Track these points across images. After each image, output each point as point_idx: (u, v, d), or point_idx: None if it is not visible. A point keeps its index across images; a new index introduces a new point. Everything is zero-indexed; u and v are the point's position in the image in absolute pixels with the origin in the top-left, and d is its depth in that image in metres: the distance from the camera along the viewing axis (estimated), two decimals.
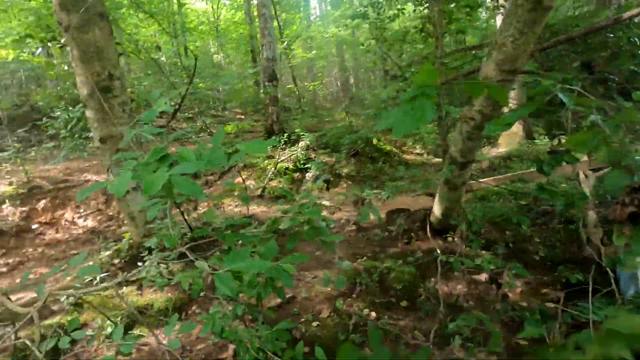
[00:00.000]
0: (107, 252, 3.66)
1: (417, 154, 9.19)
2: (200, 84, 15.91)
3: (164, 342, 2.44)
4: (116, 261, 3.53)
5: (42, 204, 5.16)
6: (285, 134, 7.45)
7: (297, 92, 16.18)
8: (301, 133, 7.40)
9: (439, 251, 3.37)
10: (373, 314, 2.60)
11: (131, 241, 3.52)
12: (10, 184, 5.17)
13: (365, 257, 3.71)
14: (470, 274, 3.34)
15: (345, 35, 10.88)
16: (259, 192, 5.88)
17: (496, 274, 2.83)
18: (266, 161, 6.80)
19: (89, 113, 3.03)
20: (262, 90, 7.68)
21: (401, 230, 4.09)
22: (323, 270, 3.31)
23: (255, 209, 5.44)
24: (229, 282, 1.01)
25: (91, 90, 2.93)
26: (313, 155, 7.32)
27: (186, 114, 15.71)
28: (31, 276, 3.79)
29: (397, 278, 3.09)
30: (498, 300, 2.68)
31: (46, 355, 1.34)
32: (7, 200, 4.89)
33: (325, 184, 6.39)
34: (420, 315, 2.72)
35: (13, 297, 3.01)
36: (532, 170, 5.60)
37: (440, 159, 9.17)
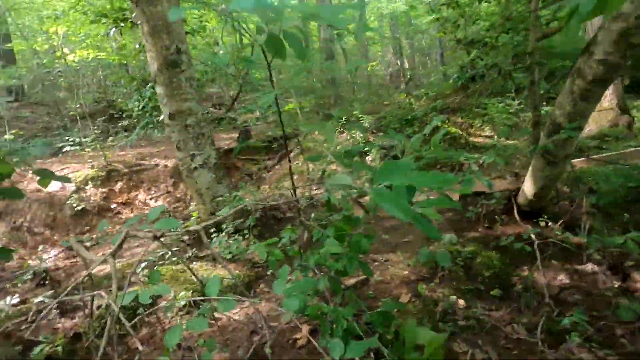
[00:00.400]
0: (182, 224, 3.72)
1: (486, 136, 8.40)
2: (256, 74, 16.17)
3: (235, 316, 2.34)
4: (185, 237, 3.56)
5: (118, 185, 5.48)
6: (344, 117, 7.19)
7: (349, 76, 15.81)
8: (359, 115, 7.08)
9: (532, 236, 2.92)
10: (461, 301, 2.26)
11: (199, 219, 3.53)
12: (92, 167, 5.55)
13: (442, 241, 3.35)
14: (571, 263, 2.85)
15: (403, 8, 10.21)
16: (319, 174, 5.71)
17: (617, 263, 2.33)
18: (325, 144, 6.61)
19: (158, 89, 3.04)
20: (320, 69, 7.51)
21: (481, 213, 3.65)
22: (398, 252, 3.02)
23: (318, 193, 5.28)
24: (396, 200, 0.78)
25: (161, 65, 2.92)
26: (372, 139, 6.98)
27: (242, 105, 16.14)
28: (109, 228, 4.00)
29: (484, 264, 2.70)
30: (620, 294, 2.20)
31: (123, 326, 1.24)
32: (89, 182, 5.25)
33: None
34: (517, 306, 2.33)
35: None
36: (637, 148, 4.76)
37: (514, 142, 8.31)
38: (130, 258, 3.60)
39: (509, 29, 5.06)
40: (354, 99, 9.73)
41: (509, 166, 5.99)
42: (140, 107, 4.30)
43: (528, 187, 3.10)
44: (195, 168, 3.17)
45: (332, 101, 7.38)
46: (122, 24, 3.68)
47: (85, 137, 6.16)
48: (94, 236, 4.45)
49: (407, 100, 8.51)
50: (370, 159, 6.47)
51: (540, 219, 3.26)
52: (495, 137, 8.33)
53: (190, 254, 3.01)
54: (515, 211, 3.35)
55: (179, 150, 3.19)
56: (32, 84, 13.06)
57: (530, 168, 3.04)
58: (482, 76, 6.15)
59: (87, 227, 4.72)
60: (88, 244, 4.30)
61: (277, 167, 6.82)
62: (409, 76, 11.95)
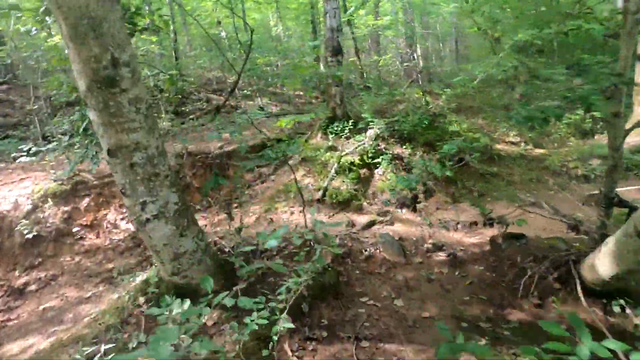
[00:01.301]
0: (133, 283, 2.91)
1: (512, 142, 7.40)
2: (259, 59, 15.08)
3: None
4: (142, 300, 2.76)
5: (85, 202, 4.66)
6: (350, 121, 6.22)
7: (360, 68, 14.63)
8: (369, 118, 6.11)
9: (605, 331, 2.06)
10: None
11: (158, 281, 2.71)
12: (55, 179, 4.72)
13: (473, 321, 2.50)
14: None
15: None
16: (318, 194, 4.83)
17: None
18: (328, 154, 5.70)
19: (91, 115, 2.16)
20: (323, 66, 6.45)
21: (525, 281, 2.77)
22: (414, 343, 2.18)
23: (315, 216, 4.41)
24: None
25: (90, 83, 2.03)
26: (383, 146, 6.04)
27: (244, 91, 15.12)
28: (55, 302, 3.21)
29: None
30: None
31: None
32: (49, 200, 4.43)
33: (412, 203, 4.97)
34: None
35: None
36: None
37: (543, 150, 7.30)
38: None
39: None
40: (360, 96, 8.72)
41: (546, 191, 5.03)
42: (78, 129, 3.45)
43: (605, 266, 2.20)
44: (148, 220, 2.35)
45: (338, 100, 6.40)
46: (47, 19, 2.82)
47: (48, 138, 5.28)
48: (43, 275, 3.67)
49: (423, 98, 7.48)
50: (380, 172, 5.57)
51: (614, 301, 2.38)
52: (523, 144, 7.33)
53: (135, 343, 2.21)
54: (579, 286, 2.47)
55: (125, 196, 2.35)
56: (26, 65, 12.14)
57: (611, 243, 2.14)
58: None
59: (40, 260, 3.94)
60: (34, 287, 3.52)
61: (272, 177, 5.94)
62: (421, 68, 10.79)
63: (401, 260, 3.50)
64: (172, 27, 14.08)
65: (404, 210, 4.83)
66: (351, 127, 6.18)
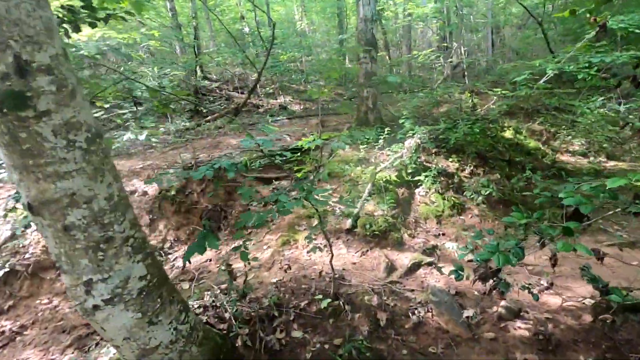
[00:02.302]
0: None
1: (577, 153, 6.16)
2: (282, 56, 14.23)
3: None
4: None
5: None
6: (386, 128, 5.22)
7: (390, 64, 13.47)
8: (408, 125, 5.10)
9: None
10: None
11: None
12: None
13: None
14: None
15: None
16: (348, 222, 3.90)
17: None
18: (358, 168, 4.75)
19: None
20: (357, 63, 5.49)
21: None
22: None
23: (344, 257, 3.49)
24: None
25: None
26: (425, 159, 5.02)
27: (267, 89, 14.32)
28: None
29: None
30: None
31: None
32: (32, 223, 3.73)
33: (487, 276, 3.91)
34: None
35: None
36: None
37: (620, 163, 6.01)
38: None
39: None
40: (399, 97, 7.68)
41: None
42: None
43: None
44: (97, 307, 1.53)
45: (371, 103, 5.42)
46: None
47: None
48: (8, 325, 2.95)
49: (470, 99, 6.34)
50: (422, 192, 4.56)
51: None
52: (592, 155, 6.07)
53: None
54: None
55: (62, 272, 1.54)
56: None
57: None
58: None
59: (11, 302, 3.24)
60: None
61: (293, 193, 5.06)
62: (458, 62, 9.52)
63: (464, 333, 2.53)
64: (194, 23, 13.47)
65: (455, 246, 3.82)
66: (386, 135, 5.18)
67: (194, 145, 6.13)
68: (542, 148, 6.06)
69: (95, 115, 2.56)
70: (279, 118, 8.79)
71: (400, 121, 5.24)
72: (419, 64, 11.33)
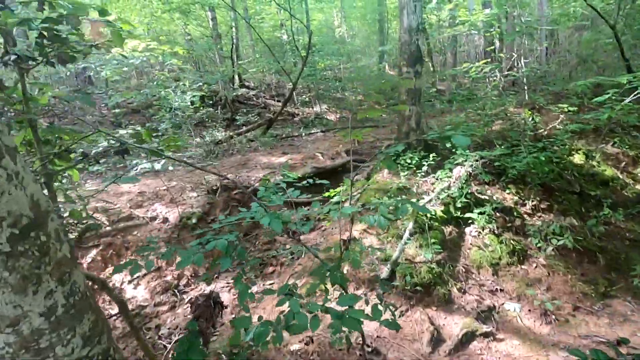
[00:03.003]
0: None
1: None
2: (320, 63, 13.81)
3: None
4: None
5: (91, 255, 3.70)
6: (431, 154, 4.54)
7: (435, 76, 12.59)
8: (459, 150, 4.39)
9: None
10: None
11: None
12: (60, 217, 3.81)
13: None
14: None
15: None
16: (385, 270, 3.29)
17: None
18: (397, 199, 4.13)
19: None
20: (400, 77, 4.84)
21: None
22: None
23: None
24: None
25: None
26: (476, 190, 4.28)
27: (303, 97, 13.97)
28: None
29: None
30: None
31: None
32: None
33: None
34: None
35: None
36: None
37: None
38: None
39: None
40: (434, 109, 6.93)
41: None
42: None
43: None
44: None
45: (414, 123, 4.77)
46: None
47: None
48: None
49: (531, 117, 5.45)
50: (474, 233, 3.84)
51: None
52: None
53: None
54: None
55: None
56: None
57: None
58: None
59: None
60: None
61: (322, 225, 4.53)
62: (507, 71, 8.46)
63: None
64: (234, 31, 13.43)
65: (517, 308, 3.08)
66: (432, 161, 4.50)
67: (223, 163, 5.81)
68: (621, 177, 5.05)
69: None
70: (313, 131, 8.33)
71: (447, 144, 4.53)
72: (468, 77, 10.41)
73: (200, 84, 8.04)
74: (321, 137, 7.74)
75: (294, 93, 13.85)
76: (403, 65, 4.69)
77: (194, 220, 4.12)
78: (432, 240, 3.56)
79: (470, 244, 3.73)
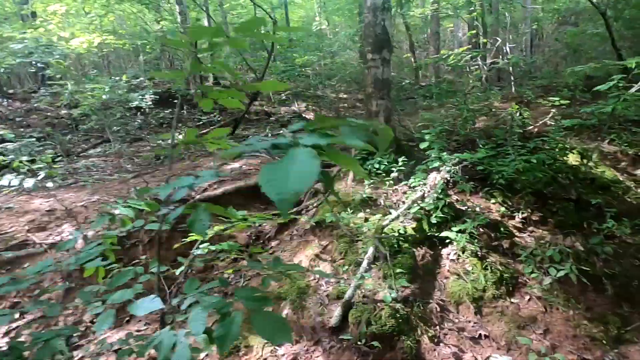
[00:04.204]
0: None
1: None
2: (297, 59, 12.94)
3: None
4: None
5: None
6: (402, 156, 3.73)
7: (416, 67, 11.85)
8: (434, 152, 3.58)
9: None
10: None
11: None
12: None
13: None
14: None
15: None
16: (334, 316, 2.46)
17: None
18: (360, 215, 3.30)
19: None
20: (365, 66, 4.01)
21: None
22: None
23: None
24: None
25: None
26: (455, 199, 3.49)
27: (281, 95, 13.09)
28: None
29: None
30: None
31: None
32: None
33: None
34: None
35: None
36: None
37: None
38: None
39: None
40: (424, 104, 6.16)
41: None
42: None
43: None
44: None
45: (383, 120, 3.96)
46: None
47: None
48: None
49: (518, 112, 4.69)
50: (452, 256, 3.04)
51: None
52: None
53: None
54: None
55: None
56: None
57: None
58: None
59: None
60: None
61: (273, 245, 3.69)
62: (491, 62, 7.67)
63: None
64: (205, 23, 12.46)
65: None
66: (401, 166, 3.70)
67: (165, 171, 4.92)
68: (621, 180, 4.33)
69: None
70: (280, 131, 7.47)
71: (422, 145, 3.73)
72: (449, 67, 9.64)
73: (143, 79, 7.07)
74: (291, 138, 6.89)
75: (270, 92, 12.99)
76: (368, 51, 3.87)
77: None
78: (398, 270, 2.74)
79: (448, 270, 2.93)
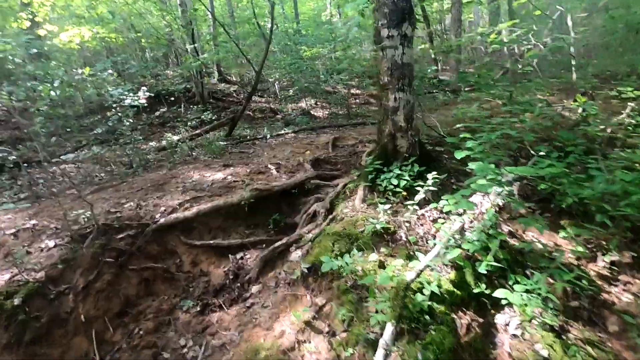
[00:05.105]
0: None
1: None
2: (306, 52, 11.88)
3: None
4: None
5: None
6: (427, 167, 2.67)
7: (435, 54, 10.64)
8: (479, 166, 2.50)
9: None
10: None
11: None
12: None
13: None
14: None
15: None
16: None
17: None
18: (373, 256, 2.27)
19: None
20: (378, 46, 2.92)
21: None
22: None
23: None
24: None
25: None
26: (508, 231, 2.41)
27: (289, 91, 12.11)
28: None
29: None
30: None
31: None
32: None
33: None
34: None
35: None
36: None
37: None
38: None
39: None
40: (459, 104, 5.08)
41: None
42: None
43: None
44: None
45: (402, 119, 2.89)
46: None
47: None
48: None
49: (581, 106, 3.51)
50: (512, 326, 1.96)
51: None
52: None
53: None
54: None
55: None
56: None
57: None
58: None
59: None
60: None
61: (246, 297, 2.69)
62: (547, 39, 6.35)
63: None
64: (209, 17, 11.54)
65: None
66: (431, 184, 2.62)
67: (133, 183, 3.98)
68: None
69: None
70: (282, 132, 6.45)
71: (458, 155, 2.64)
72: (486, 45, 8.37)
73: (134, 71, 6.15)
74: (289, 140, 5.87)
75: (277, 87, 11.97)
76: (382, 26, 2.80)
77: (16, 302, 2.30)
78: (431, 356, 1.70)
79: (509, 355, 1.86)
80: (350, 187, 3.06)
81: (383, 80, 2.93)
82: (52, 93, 3.79)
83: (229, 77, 13.19)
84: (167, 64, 13.26)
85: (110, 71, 4.87)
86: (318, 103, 11.36)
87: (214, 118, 8.37)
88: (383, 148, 3.09)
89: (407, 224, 2.52)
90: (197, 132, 6.80)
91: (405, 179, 2.79)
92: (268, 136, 6.10)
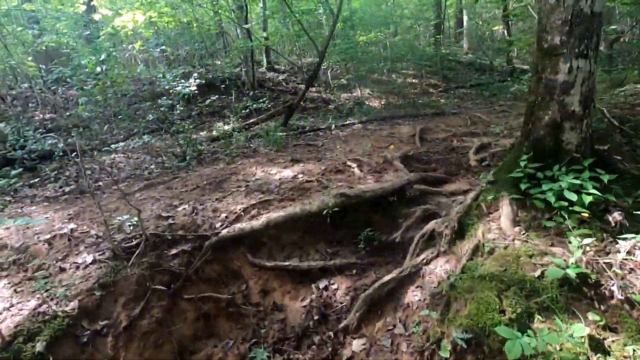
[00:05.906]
0: None
1: None
2: (361, 37, 10.85)
3: None
4: None
5: None
6: (606, 171, 1.64)
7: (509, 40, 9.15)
8: None
9: None
10: None
11: None
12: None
13: None
14: None
15: None
16: None
17: None
18: (577, 328, 1.32)
19: None
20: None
21: None
22: None
23: None
24: None
25: None
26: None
27: (341, 80, 11.15)
28: None
29: None
30: None
31: None
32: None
33: None
34: None
35: None
36: None
37: None
38: None
39: None
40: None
41: None
42: None
43: None
44: None
45: (576, 100, 1.84)
46: None
47: None
48: None
49: None
50: None
51: None
52: None
53: None
54: None
55: None
56: None
57: None
58: None
59: None
60: None
61: (361, 341, 1.86)
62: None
63: None
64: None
65: None
66: (632, 201, 1.59)
67: (187, 180, 3.29)
68: None
69: None
70: (348, 122, 5.55)
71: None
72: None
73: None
74: (359, 132, 4.96)
75: (329, 75, 11.06)
76: None
77: (38, 347, 1.64)
78: None
79: None
80: (486, 200, 2.09)
81: (552, 41, 1.92)
82: (98, 69, 3.20)
83: (278, 67, 12.51)
84: (214, 54, 12.83)
85: (163, 47, 4.24)
86: (373, 92, 10.34)
87: (268, 107, 7.67)
88: (536, 144, 2.09)
89: (617, 270, 1.52)
90: (251, 121, 6.11)
91: (590, 192, 1.77)
92: (333, 127, 5.23)
